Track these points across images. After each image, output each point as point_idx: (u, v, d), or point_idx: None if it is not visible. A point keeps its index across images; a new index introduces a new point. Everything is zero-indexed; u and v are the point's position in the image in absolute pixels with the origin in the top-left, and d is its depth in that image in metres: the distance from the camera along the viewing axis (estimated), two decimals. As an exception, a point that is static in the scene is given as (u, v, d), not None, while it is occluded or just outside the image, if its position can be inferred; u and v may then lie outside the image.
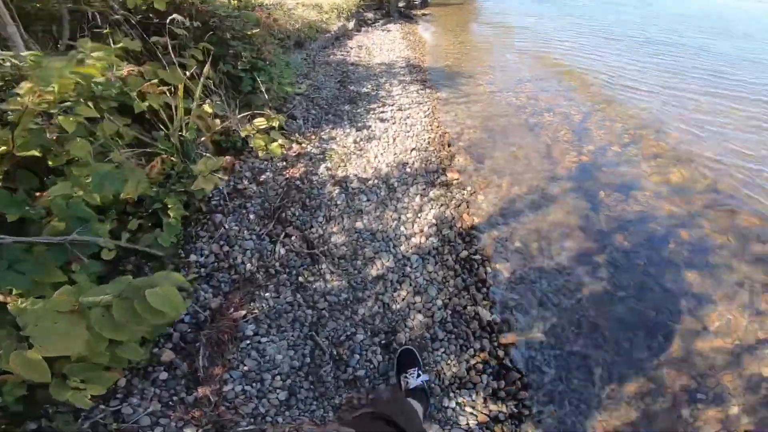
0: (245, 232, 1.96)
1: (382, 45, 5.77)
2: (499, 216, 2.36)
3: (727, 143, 3.40)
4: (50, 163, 1.42)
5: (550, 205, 2.47)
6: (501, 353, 1.62)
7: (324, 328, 1.65)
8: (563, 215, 2.39)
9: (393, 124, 3.29)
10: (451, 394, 1.47)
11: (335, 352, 1.58)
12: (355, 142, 2.91)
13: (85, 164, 1.46)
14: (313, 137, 2.87)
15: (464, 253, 2.05)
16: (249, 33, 2.54)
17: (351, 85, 3.95)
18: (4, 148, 1.25)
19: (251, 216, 2.05)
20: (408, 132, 3.20)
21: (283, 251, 1.92)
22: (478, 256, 2.04)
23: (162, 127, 1.84)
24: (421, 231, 2.16)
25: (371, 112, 3.43)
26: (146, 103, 1.77)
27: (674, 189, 2.70)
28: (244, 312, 1.65)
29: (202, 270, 1.75)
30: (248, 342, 1.56)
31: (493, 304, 1.81)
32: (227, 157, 1.92)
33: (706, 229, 2.31)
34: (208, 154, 1.87)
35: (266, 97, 2.38)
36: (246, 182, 2.24)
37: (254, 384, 1.43)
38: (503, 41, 6.62)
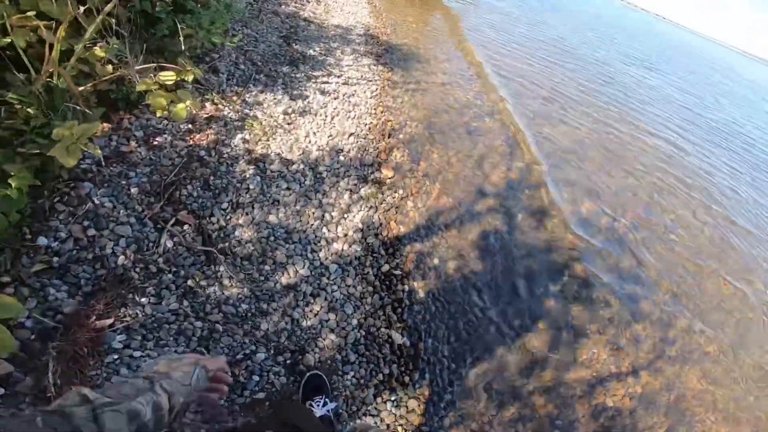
0: (122, 211, 1.55)
1: (344, 5, 5.21)
2: (424, 228, 2.31)
3: (633, 182, 3.86)
4: None
5: (473, 222, 2.51)
6: (407, 379, 1.61)
7: (217, 344, 1.43)
8: (483, 235, 2.44)
9: (335, 99, 2.97)
10: (358, 421, 1.44)
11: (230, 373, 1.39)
12: (285, 113, 2.54)
13: None
14: (235, 98, 2.41)
15: (386, 267, 1.96)
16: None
17: (297, 44, 3.42)
18: None
19: (133, 190, 1.62)
20: (350, 112, 2.93)
21: (170, 244, 1.58)
22: (398, 272, 1.97)
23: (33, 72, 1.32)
24: (346, 236, 2.00)
25: (312, 80, 3.03)
26: (8, 40, 1.24)
27: (580, 221, 2.96)
28: (111, 320, 1.34)
29: (55, 259, 1.35)
30: (116, 356, 1.28)
31: (406, 327, 1.78)
32: (104, 124, 1.46)
33: (597, 265, 2.59)
34: (84, 108, 1.40)
35: (182, 46, 1.87)
36: (134, 144, 1.76)
37: (127, 406, 1.19)
38: (469, 33, 6.52)
